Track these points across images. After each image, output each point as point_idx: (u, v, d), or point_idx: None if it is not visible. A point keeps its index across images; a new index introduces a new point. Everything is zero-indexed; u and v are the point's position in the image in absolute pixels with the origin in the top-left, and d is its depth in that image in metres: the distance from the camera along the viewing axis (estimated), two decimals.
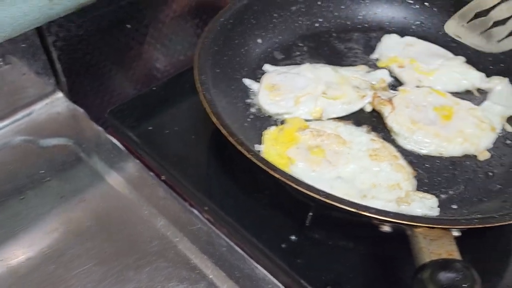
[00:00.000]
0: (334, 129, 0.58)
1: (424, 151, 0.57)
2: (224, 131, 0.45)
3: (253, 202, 0.54)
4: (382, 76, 0.66)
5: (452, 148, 0.57)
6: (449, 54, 0.70)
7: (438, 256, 0.36)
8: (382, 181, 0.52)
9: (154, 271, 0.50)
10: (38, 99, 0.67)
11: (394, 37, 0.72)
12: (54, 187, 0.57)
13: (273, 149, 0.55)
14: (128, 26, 0.72)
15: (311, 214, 0.49)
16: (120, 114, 0.63)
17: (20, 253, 0.51)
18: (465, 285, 0.33)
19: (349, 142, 0.56)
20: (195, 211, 0.55)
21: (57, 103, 0.68)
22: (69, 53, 0.66)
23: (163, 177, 0.58)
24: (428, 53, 0.69)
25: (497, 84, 0.65)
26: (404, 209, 0.49)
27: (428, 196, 0.50)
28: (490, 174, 0.55)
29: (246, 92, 0.62)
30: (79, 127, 0.65)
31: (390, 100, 0.60)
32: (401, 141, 0.58)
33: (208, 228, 0.54)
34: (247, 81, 0.63)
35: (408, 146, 0.58)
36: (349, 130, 0.58)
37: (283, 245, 0.50)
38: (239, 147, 0.43)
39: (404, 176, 0.53)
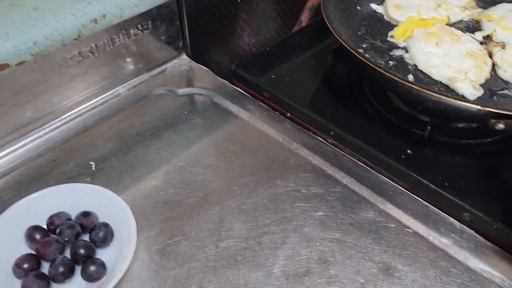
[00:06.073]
0: (461, 34, 0.74)
1: None
2: (351, 50, 0.57)
3: (370, 127, 0.66)
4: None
5: None
6: None
7: None
8: (456, 64, 0.67)
9: (297, 179, 0.60)
10: (168, 60, 0.79)
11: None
12: (199, 123, 0.69)
13: (405, 26, 0.75)
14: (238, 0, 0.85)
15: (429, 128, 0.60)
16: (244, 67, 0.75)
17: (186, 166, 0.62)
18: None
19: (462, 42, 0.71)
20: (320, 138, 0.67)
21: (184, 62, 0.80)
22: (195, 21, 0.79)
23: (288, 115, 0.70)
24: None
25: None
26: (448, 83, 0.65)
27: (477, 86, 0.64)
28: None
29: (358, 38, 0.74)
30: (207, 80, 0.77)
31: (503, 45, 0.73)
32: (501, 73, 0.69)
33: (333, 149, 0.65)
34: (373, 6, 0.83)
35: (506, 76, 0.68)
36: (472, 40, 0.73)
37: (403, 156, 0.61)
38: (364, 60, 0.56)
39: (477, 71, 0.66)
